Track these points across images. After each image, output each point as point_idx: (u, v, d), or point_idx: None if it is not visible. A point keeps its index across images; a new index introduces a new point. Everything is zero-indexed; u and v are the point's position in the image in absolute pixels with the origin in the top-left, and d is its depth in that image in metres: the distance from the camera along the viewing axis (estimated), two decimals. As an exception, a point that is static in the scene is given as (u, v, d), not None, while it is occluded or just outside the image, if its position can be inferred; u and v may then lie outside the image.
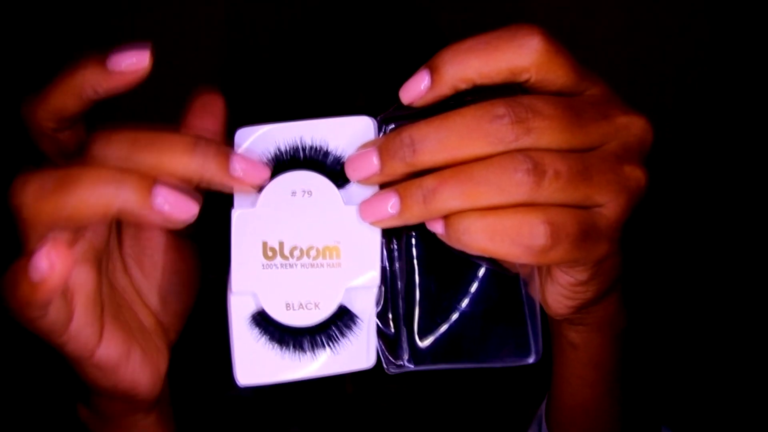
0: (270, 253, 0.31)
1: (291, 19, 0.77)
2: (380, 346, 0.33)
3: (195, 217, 0.29)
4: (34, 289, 0.28)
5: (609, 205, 0.30)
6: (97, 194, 0.28)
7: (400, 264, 0.34)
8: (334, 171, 0.32)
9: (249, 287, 0.31)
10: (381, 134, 0.32)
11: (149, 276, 0.36)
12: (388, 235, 0.33)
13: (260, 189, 0.31)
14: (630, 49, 0.82)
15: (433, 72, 0.29)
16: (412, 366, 0.33)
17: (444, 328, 0.33)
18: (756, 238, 0.78)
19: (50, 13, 0.75)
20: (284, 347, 0.32)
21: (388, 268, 0.33)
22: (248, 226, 0.31)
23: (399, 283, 0.33)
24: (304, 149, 0.32)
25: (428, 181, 0.29)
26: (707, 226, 0.80)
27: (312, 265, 0.32)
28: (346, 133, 0.32)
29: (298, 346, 0.32)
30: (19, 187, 0.28)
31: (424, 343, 0.33)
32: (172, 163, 0.29)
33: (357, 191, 0.32)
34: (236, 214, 0.31)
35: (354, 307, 0.32)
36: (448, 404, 0.57)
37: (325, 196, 0.32)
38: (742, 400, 0.66)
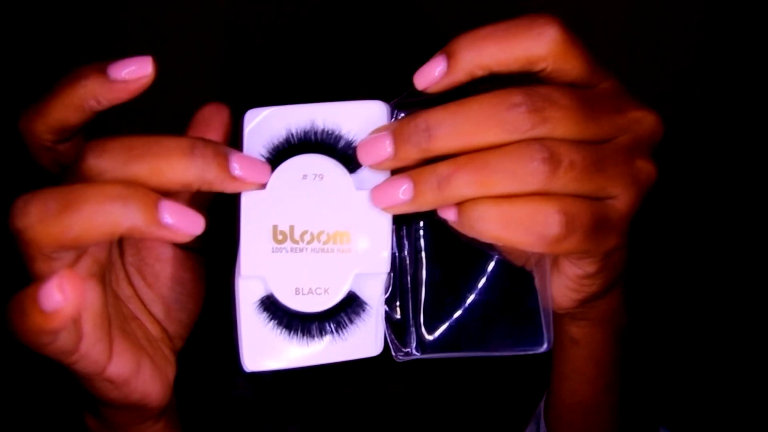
0: (280, 237, 0.31)
1: (292, 18, 0.77)
2: (388, 334, 0.33)
3: (202, 230, 0.28)
4: (46, 319, 0.26)
5: (621, 197, 0.30)
6: (103, 214, 0.26)
7: (409, 251, 0.33)
8: (346, 155, 0.31)
9: (258, 271, 0.31)
10: (393, 120, 0.32)
11: (152, 285, 0.35)
12: (398, 221, 0.33)
13: (271, 171, 0.31)
14: (629, 48, 0.82)
15: (450, 57, 0.29)
16: (420, 354, 0.33)
17: (453, 316, 0.33)
18: (755, 236, 0.78)
19: (49, 11, 0.75)
20: (292, 333, 0.32)
21: (397, 255, 0.33)
22: (258, 209, 0.31)
23: (408, 270, 0.33)
24: (315, 132, 0.32)
25: (442, 168, 0.29)
26: (706, 225, 0.81)
27: (322, 250, 0.31)
28: (359, 118, 0.31)
29: (307, 332, 0.32)
30: (20, 210, 0.27)
31: (432, 331, 0.33)
32: (169, 169, 0.28)
33: (369, 176, 0.31)
34: (245, 196, 0.31)
35: (363, 294, 0.32)
36: (447, 403, 0.57)
37: (336, 180, 0.31)
38: (742, 399, 0.66)
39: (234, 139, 0.32)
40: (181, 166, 0.28)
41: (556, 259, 0.33)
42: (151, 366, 0.33)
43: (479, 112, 0.28)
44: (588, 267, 0.32)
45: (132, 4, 0.80)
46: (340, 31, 0.62)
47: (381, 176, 0.31)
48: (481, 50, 0.29)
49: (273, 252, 0.31)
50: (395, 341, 0.33)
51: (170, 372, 0.35)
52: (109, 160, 0.28)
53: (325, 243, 0.31)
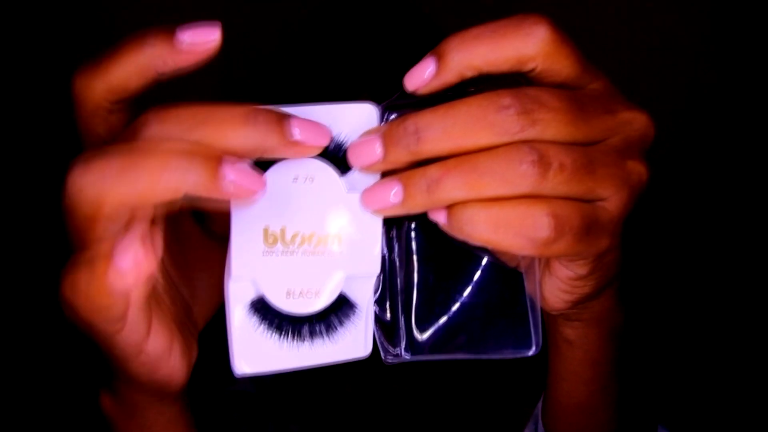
0: (271, 239, 0.31)
1: (292, 18, 0.77)
2: (378, 336, 0.33)
3: (263, 189, 0.28)
4: (121, 278, 0.26)
5: (612, 199, 0.30)
6: (166, 175, 0.26)
7: (399, 253, 0.34)
8: (337, 157, 0.31)
9: (249, 274, 0.31)
10: (384, 122, 0.32)
11: (181, 267, 0.35)
12: (389, 223, 0.33)
13: (262, 173, 0.31)
14: (629, 48, 0.82)
15: (439, 59, 0.29)
16: (409, 356, 0.33)
17: (442, 318, 0.33)
18: (752, 236, 0.78)
19: (48, 9, 0.75)
20: (283, 335, 0.32)
21: (387, 257, 0.33)
22: (249, 211, 0.31)
23: (398, 272, 0.33)
24: None
25: (432, 171, 0.29)
26: (704, 224, 0.80)
27: (313, 253, 0.31)
28: (349, 120, 0.31)
29: (297, 335, 0.32)
30: (81, 167, 0.26)
31: (421, 333, 0.33)
32: (234, 136, 0.27)
33: (359, 179, 0.32)
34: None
35: (353, 296, 0.32)
36: (446, 403, 0.57)
37: (327, 182, 0.31)
38: (740, 398, 0.66)
39: (209, 87, 0.31)
40: (243, 132, 0.28)
41: (547, 261, 0.33)
42: (181, 346, 0.33)
43: (468, 115, 0.28)
44: (580, 269, 0.32)
45: (131, 3, 0.80)
46: (339, 32, 0.62)
47: (372, 179, 0.31)
48: (470, 51, 0.29)
49: (264, 255, 0.31)
50: (385, 343, 0.33)
51: (194, 354, 0.35)
52: (172, 126, 0.27)
53: (316, 246, 0.31)
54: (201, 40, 0.29)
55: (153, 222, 0.30)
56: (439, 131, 0.28)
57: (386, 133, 0.30)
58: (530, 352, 0.33)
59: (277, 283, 0.31)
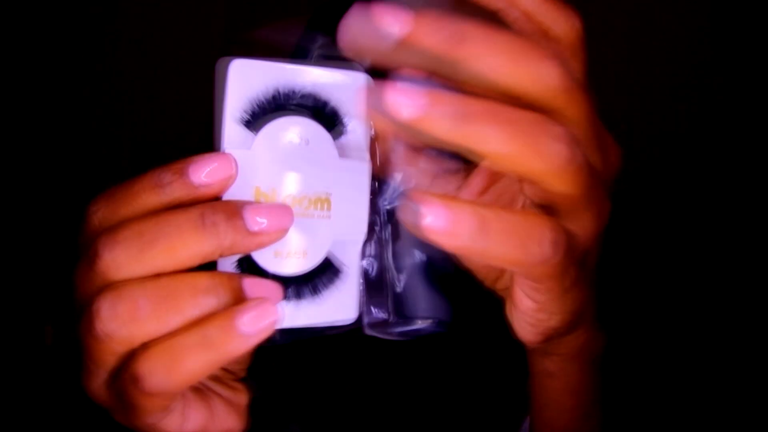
0: (262, 199, 0.31)
1: (292, 17, 0.78)
2: (364, 299, 0.33)
3: (277, 322, 0.28)
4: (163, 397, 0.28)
5: (586, 229, 0.29)
6: (198, 308, 0.27)
7: (386, 220, 0.34)
8: (331, 122, 0.32)
9: None
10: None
11: None
12: (378, 191, 0.34)
13: (257, 130, 0.31)
14: (629, 48, 0.82)
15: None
16: (393, 318, 0.33)
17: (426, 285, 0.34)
18: (735, 256, 0.77)
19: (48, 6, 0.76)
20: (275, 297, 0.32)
21: (376, 223, 0.34)
22: (242, 169, 0.30)
23: (386, 239, 0.34)
24: (302, 94, 0.31)
25: (475, 104, 0.24)
26: (695, 234, 0.80)
27: (303, 215, 0.31)
28: (345, 86, 0.32)
29: (285, 296, 0.31)
30: (107, 313, 0.27)
31: (405, 301, 0.33)
32: (184, 248, 0.27)
33: (351, 144, 0.32)
34: (231, 155, 0.30)
35: (340, 259, 0.33)
36: (445, 407, 0.56)
37: (321, 146, 0.32)
38: (727, 421, 0.65)
39: (208, 87, 0.31)
40: (195, 241, 0.27)
41: (511, 294, 0.32)
42: (222, 403, 0.34)
43: (514, 46, 0.25)
44: (540, 297, 0.31)
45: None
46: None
47: (363, 145, 0.32)
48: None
49: None
50: (371, 307, 0.33)
51: (243, 399, 0.35)
52: (122, 252, 0.27)
53: (306, 208, 0.31)
54: (217, 179, 0.29)
55: None
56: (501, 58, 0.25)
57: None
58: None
59: None
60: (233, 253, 0.29)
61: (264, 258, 0.31)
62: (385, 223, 0.34)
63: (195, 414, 0.32)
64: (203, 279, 0.28)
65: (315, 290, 0.32)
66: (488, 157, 0.25)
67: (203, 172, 0.29)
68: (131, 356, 0.28)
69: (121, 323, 0.27)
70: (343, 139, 0.32)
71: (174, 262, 0.27)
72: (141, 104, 0.66)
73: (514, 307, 0.32)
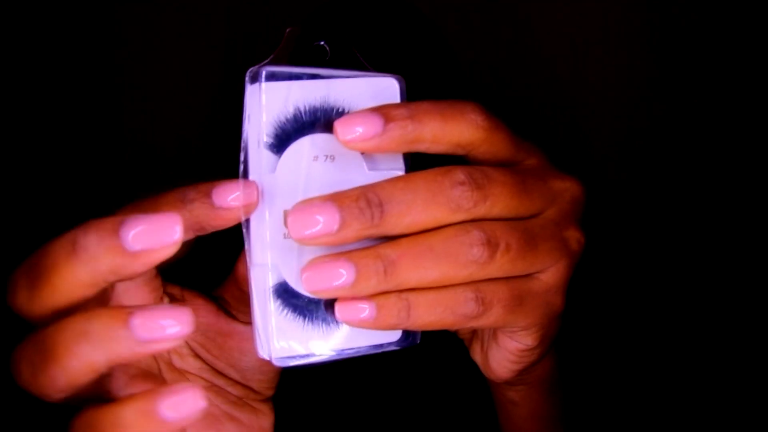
0: None
1: (292, 16, 0.76)
2: None
3: (191, 325, 0.24)
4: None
5: (549, 270, 0.31)
6: (75, 355, 0.23)
7: None
8: None
9: (269, 258, 0.30)
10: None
11: (219, 357, 0.34)
12: None
13: (279, 152, 0.30)
14: (629, 48, 0.82)
15: (388, 121, 0.28)
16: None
17: None
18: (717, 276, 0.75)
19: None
20: (308, 320, 0.30)
21: None
22: (267, 194, 0.30)
23: None
24: (326, 110, 0.30)
25: (388, 251, 0.27)
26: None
27: None
28: (372, 94, 0.30)
29: (325, 320, 0.31)
30: (16, 367, 0.25)
31: None
32: (63, 283, 0.24)
33: (382, 156, 0.31)
34: (255, 181, 0.30)
35: None
36: (446, 408, 0.56)
37: (348, 161, 0.30)
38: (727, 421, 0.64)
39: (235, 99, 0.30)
40: (67, 270, 0.24)
41: (494, 334, 0.34)
42: (237, 427, 0.33)
43: (426, 189, 0.28)
44: (527, 339, 0.33)
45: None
46: (341, 30, 0.62)
47: (395, 157, 0.30)
48: (422, 123, 0.29)
49: (285, 238, 0.30)
50: None
51: (265, 422, 0.35)
52: (20, 291, 0.25)
53: None
54: (237, 205, 0.29)
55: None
56: (402, 205, 0.27)
57: (344, 204, 0.27)
58: None
59: (299, 266, 0.29)
60: (119, 278, 0.25)
61: (298, 282, 0.30)
62: None
63: None
64: (76, 323, 0.24)
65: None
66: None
67: (227, 197, 0.28)
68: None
69: (26, 380, 0.25)
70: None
71: (54, 307, 0.25)
72: (142, 104, 0.64)
73: (498, 348, 0.34)
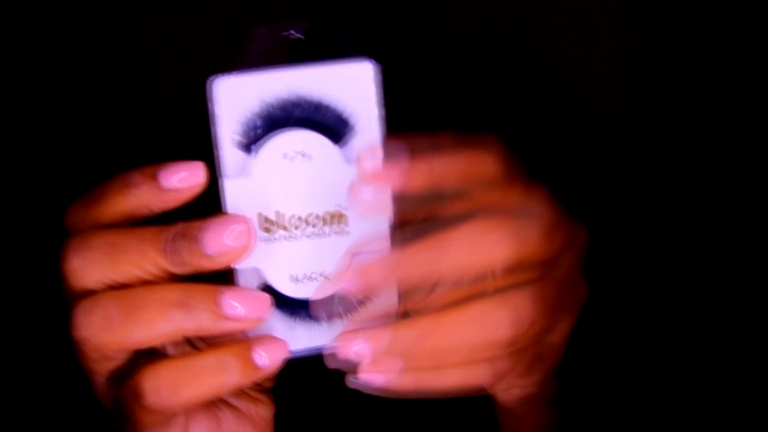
0: (268, 225, 0.29)
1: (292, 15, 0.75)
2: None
3: (269, 312, 0.28)
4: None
5: (558, 330, 0.31)
6: (165, 321, 0.27)
7: None
8: (331, 127, 0.29)
9: (251, 262, 0.29)
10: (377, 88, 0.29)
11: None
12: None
13: (251, 152, 0.29)
14: (629, 46, 0.79)
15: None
16: None
17: None
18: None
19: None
20: (298, 320, 0.30)
21: None
22: (243, 198, 0.29)
23: None
24: (296, 104, 0.29)
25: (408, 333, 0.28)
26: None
27: (316, 234, 0.29)
28: (345, 81, 0.29)
29: (309, 318, 0.30)
30: (82, 320, 0.28)
31: None
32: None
33: (359, 148, 0.29)
34: (229, 185, 0.29)
35: None
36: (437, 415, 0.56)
37: (323, 156, 0.29)
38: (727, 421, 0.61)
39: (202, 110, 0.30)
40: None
41: None
42: (235, 416, 0.33)
43: (461, 250, 0.28)
44: (532, 387, 0.34)
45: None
46: (342, 29, 0.61)
47: (377, 145, 0.29)
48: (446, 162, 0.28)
49: (264, 242, 0.29)
50: None
51: (265, 412, 0.34)
52: (89, 259, 0.28)
53: (317, 226, 0.29)
54: (186, 184, 0.28)
55: None
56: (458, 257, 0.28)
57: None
58: None
59: (280, 269, 0.29)
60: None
61: (281, 284, 0.30)
62: None
63: (198, 428, 0.32)
64: (172, 292, 0.27)
65: (348, 310, 0.30)
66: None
67: (175, 178, 0.28)
68: (135, 368, 0.28)
69: (94, 331, 0.27)
70: (353, 142, 0.29)
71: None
72: (142, 105, 0.64)
73: (506, 384, 0.34)
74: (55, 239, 0.30)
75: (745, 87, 0.71)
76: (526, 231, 0.29)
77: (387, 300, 0.30)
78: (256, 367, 0.28)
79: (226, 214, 0.29)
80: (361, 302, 0.30)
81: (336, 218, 0.29)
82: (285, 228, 0.29)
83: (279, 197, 0.29)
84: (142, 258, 0.28)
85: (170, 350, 0.32)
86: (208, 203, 0.29)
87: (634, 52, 0.79)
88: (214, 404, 0.33)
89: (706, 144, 0.71)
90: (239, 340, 0.28)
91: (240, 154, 0.29)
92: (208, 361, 0.28)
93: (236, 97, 0.29)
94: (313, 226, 0.29)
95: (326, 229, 0.29)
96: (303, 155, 0.29)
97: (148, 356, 0.30)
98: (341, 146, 0.29)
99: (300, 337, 0.30)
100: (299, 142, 0.29)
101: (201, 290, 0.27)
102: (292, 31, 0.31)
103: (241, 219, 0.28)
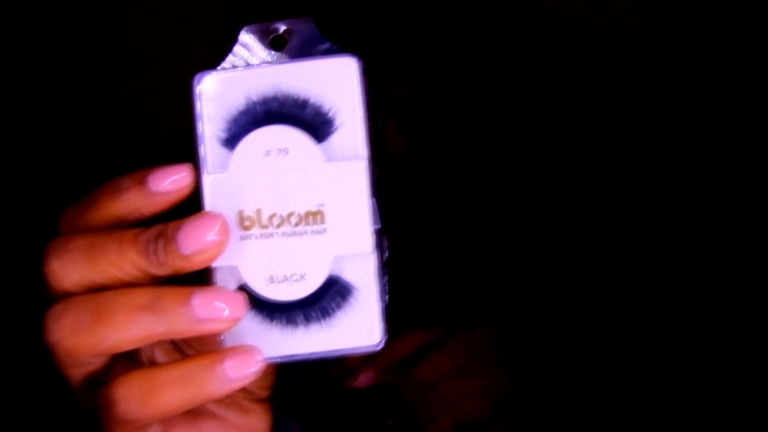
0: (247, 223, 0.29)
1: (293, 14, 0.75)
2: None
3: (245, 310, 0.27)
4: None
5: None
6: (136, 324, 0.27)
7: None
8: (312, 123, 0.29)
9: (228, 261, 0.29)
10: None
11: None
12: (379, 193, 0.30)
13: (232, 149, 0.29)
14: (630, 45, 0.79)
15: None
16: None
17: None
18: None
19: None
20: (274, 323, 0.29)
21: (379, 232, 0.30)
22: (222, 195, 0.29)
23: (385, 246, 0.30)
24: (280, 100, 0.29)
25: None
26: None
27: (294, 233, 0.29)
28: (326, 77, 0.29)
29: (291, 322, 0.29)
30: (53, 323, 0.27)
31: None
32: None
33: (340, 145, 0.29)
34: (208, 182, 0.29)
35: (347, 277, 0.29)
36: None
37: (303, 153, 0.28)
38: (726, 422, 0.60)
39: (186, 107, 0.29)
40: (131, 262, 0.27)
41: None
42: (221, 427, 0.32)
43: None
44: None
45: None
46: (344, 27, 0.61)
47: (358, 141, 0.28)
48: None
49: (242, 239, 0.29)
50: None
51: (258, 422, 0.33)
52: (68, 261, 0.28)
53: (296, 225, 0.29)
54: (176, 187, 0.28)
55: None
56: None
57: None
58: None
59: (258, 269, 0.29)
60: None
61: (258, 285, 0.29)
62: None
63: None
64: (142, 295, 0.27)
65: (325, 314, 0.29)
66: None
67: (164, 181, 0.28)
68: (111, 375, 0.28)
69: (63, 335, 0.27)
70: (333, 138, 0.29)
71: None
72: (143, 105, 0.64)
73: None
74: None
75: (745, 86, 0.70)
76: None
77: None
78: (227, 378, 0.27)
79: (201, 212, 0.28)
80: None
81: (314, 216, 0.29)
82: (264, 226, 0.29)
83: (258, 194, 0.29)
84: (121, 259, 0.27)
85: (159, 357, 0.31)
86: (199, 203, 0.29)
87: (630, 49, 0.79)
88: (197, 414, 0.32)
89: (706, 144, 0.70)
90: (210, 351, 0.27)
91: (223, 151, 0.29)
92: (176, 372, 0.27)
93: (220, 93, 0.29)
94: (294, 225, 0.29)
95: (303, 228, 0.29)
96: (282, 151, 0.29)
97: (127, 363, 0.29)
98: (321, 142, 0.29)
99: (276, 343, 0.29)
100: (279, 138, 0.28)
101: (171, 292, 0.27)
102: (280, 29, 0.30)
103: (215, 216, 0.27)
